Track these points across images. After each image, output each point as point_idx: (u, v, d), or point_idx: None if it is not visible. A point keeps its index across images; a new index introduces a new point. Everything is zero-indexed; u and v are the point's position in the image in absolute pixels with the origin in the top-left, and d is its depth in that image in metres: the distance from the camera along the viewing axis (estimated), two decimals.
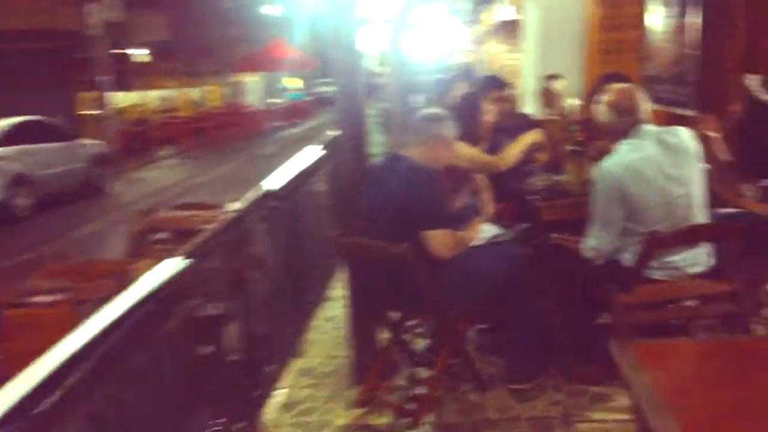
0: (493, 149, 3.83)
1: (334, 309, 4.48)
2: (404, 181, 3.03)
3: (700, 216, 2.94)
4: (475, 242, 3.21)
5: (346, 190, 3.48)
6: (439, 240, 2.96)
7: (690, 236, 2.88)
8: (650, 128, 2.96)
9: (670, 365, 1.84)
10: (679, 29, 4.66)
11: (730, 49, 4.33)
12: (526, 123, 4.63)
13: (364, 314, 3.56)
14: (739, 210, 3.44)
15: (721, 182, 3.38)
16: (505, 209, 3.74)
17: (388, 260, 2.93)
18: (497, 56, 13.80)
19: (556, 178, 3.71)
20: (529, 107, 6.38)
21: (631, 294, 2.30)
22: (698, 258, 2.93)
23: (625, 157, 2.91)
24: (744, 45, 4.26)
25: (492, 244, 3.27)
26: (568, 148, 3.52)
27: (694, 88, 4.59)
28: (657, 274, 2.89)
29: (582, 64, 6.22)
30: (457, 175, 3.41)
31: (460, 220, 3.23)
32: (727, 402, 1.66)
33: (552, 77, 5.16)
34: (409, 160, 3.11)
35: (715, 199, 3.12)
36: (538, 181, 3.73)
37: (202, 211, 5.57)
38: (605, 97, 3.04)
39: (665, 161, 2.88)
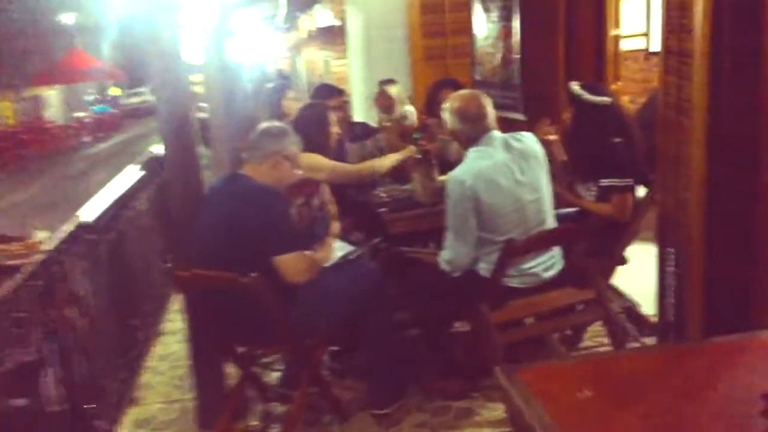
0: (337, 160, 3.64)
1: (171, 345, 4.06)
2: (246, 204, 2.74)
3: (551, 220, 2.94)
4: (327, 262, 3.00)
5: (177, 215, 3.12)
6: (291, 265, 2.71)
7: (543, 241, 2.86)
8: (497, 134, 2.91)
9: (562, 389, 1.73)
10: (505, 34, 4.76)
11: (549, 53, 4.47)
12: (366, 131, 4.50)
13: (206, 349, 3.21)
14: (574, 209, 3.53)
15: (560, 184, 3.44)
16: (352, 224, 3.56)
17: (235, 292, 2.64)
18: (317, 63, 13.73)
19: (402, 188, 3.58)
20: (361, 114, 6.29)
21: (500, 312, 2.19)
22: (553, 262, 2.92)
23: (474, 165, 2.84)
24: (563, 49, 4.41)
25: (343, 263, 3.07)
26: (415, 156, 3.40)
27: (520, 91, 4.70)
28: (514, 282, 2.84)
29: (408, 69, 6.22)
30: (308, 190, 3.18)
31: (312, 238, 3.01)
32: (626, 420, 1.58)
33: (387, 82, 5.08)
34: (249, 181, 2.82)
35: (555, 201, 3.15)
36: (383, 192, 3.58)
37: (6, 245, 4.91)
38: (451, 105, 2.95)
39: (515, 167, 2.84)
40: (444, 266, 2.91)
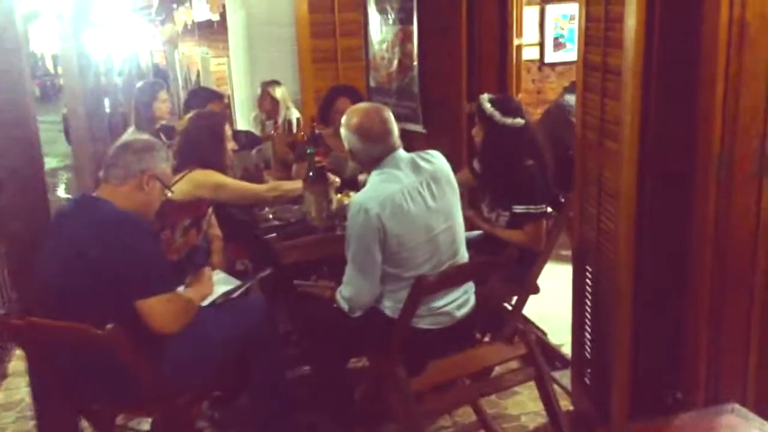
0: None
1: (18, 390, 3.42)
2: (100, 237, 2.20)
3: (463, 250, 2.61)
4: (206, 301, 2.54)
5: (16, 244, 2.57)
6: (159, 310, 2.21)
7: (458, 276, 2.54)
8: (403, 154, 2.55)
9: None
10: (403, 38, 4.43)
11: (451, 61, 4.18)
12: (251, 140, 4.04)
13: (56, 401, 2.67)
14: (477, 233, 3.26)
15: (469, 207, 3.16)
16: (237, 250, 3.10)
17: (87, 347, 2.13)
18: (194, 59, 12.96)
19: (293, 208, 3.14)
20: (244, 119, 5.78)
21: (419, 379, 1.82)
22: (466, 298, 2.60)
23: (380, 189, 2.45)
24: (465, 57, 4.13)
25: (225, 301, 2.61)
26: (309, 174, 2.97)
27: (419, 101, 4.39)
28: (425, 323, 2.48)
29: (295, 72, 5.74)
30: (198, 212, 2.69)
31: (191, 267, 2.53)
32: None
33: (271, 83, 4.64)
34: (106, 206, 2.30)
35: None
36: (271, 214, 3.14)
37: None
38: (349, 120, 2.55)
39: (425, 192, 2.48)
40: (342, 304, 2.52)
